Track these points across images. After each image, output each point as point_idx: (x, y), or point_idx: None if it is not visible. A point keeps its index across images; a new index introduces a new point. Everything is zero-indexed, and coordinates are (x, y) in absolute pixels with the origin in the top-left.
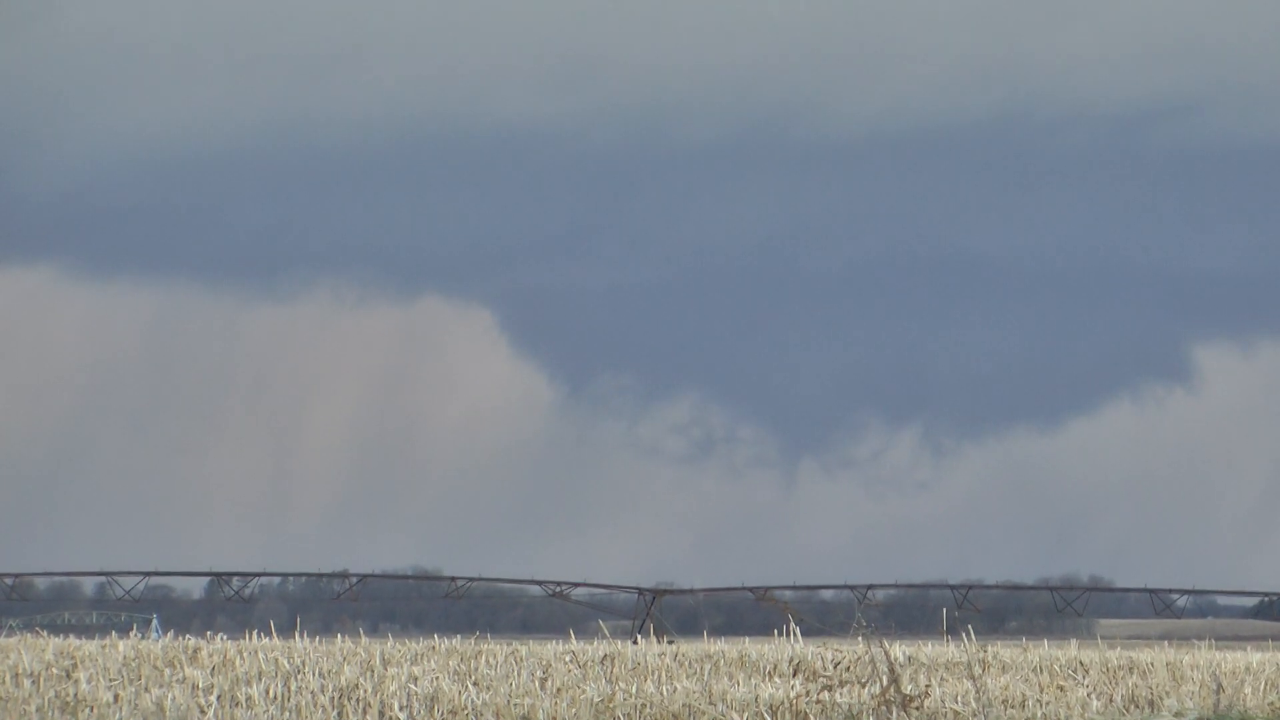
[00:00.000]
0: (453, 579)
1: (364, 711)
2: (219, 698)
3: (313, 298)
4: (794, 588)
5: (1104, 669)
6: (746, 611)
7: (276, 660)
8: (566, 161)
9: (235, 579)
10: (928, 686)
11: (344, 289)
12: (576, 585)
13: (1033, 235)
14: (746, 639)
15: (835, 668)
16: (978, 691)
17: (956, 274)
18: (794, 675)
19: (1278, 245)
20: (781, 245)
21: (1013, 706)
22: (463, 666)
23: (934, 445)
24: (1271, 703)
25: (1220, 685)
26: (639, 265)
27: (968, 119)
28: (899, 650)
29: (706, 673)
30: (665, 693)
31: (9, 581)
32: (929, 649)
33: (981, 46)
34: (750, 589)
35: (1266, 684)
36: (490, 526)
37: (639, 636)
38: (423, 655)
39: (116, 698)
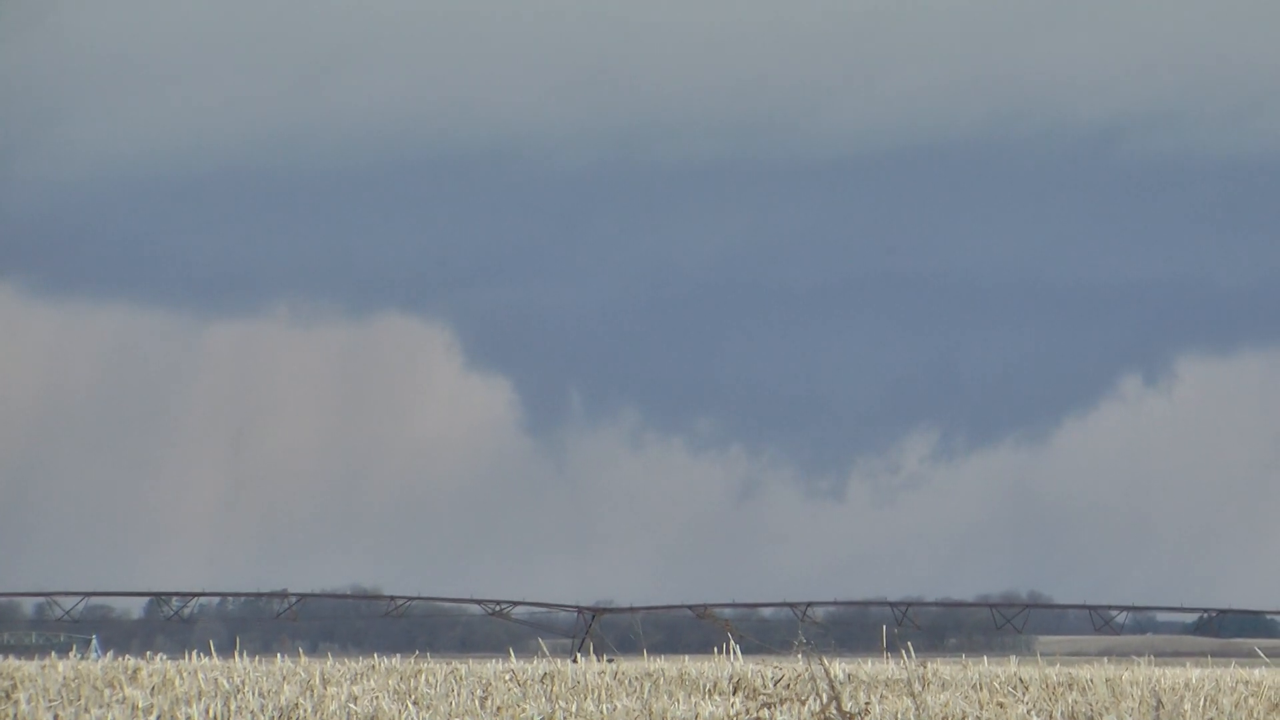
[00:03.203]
0: (392, 598)
1: None
2: (159, 718)
3: (270, 316)
4: (734, 605)
5: (1044, 686)
6: (686, 629)
7: (216, 680)
8: (534, 179)
9: (174, 599)
10: (868, 704)
11: (302, 306)
12: (516, 604)
13: (991, 252)
14: (686, 657)
15: (775, 685)
16: (918, 708)
17: (931, 292)
18: (734, 693)
19: (1244, 256)
20: (753, 264)
21: None
22: (402, 685)
23: (889, 466)
24: (1211, 718)
25: (1160, 701)
26: (600, 284)
27: (949, 136)
28: (839, 667)
29: (646, 691)
30: (605, 711)
31: None
32: (869, 666)
33: (962, 63)
34: (690, 607)
35: (1206, 700)
36: (435, 546)
37: (579, 655)
38: (362, 674)
39: (56, 718)
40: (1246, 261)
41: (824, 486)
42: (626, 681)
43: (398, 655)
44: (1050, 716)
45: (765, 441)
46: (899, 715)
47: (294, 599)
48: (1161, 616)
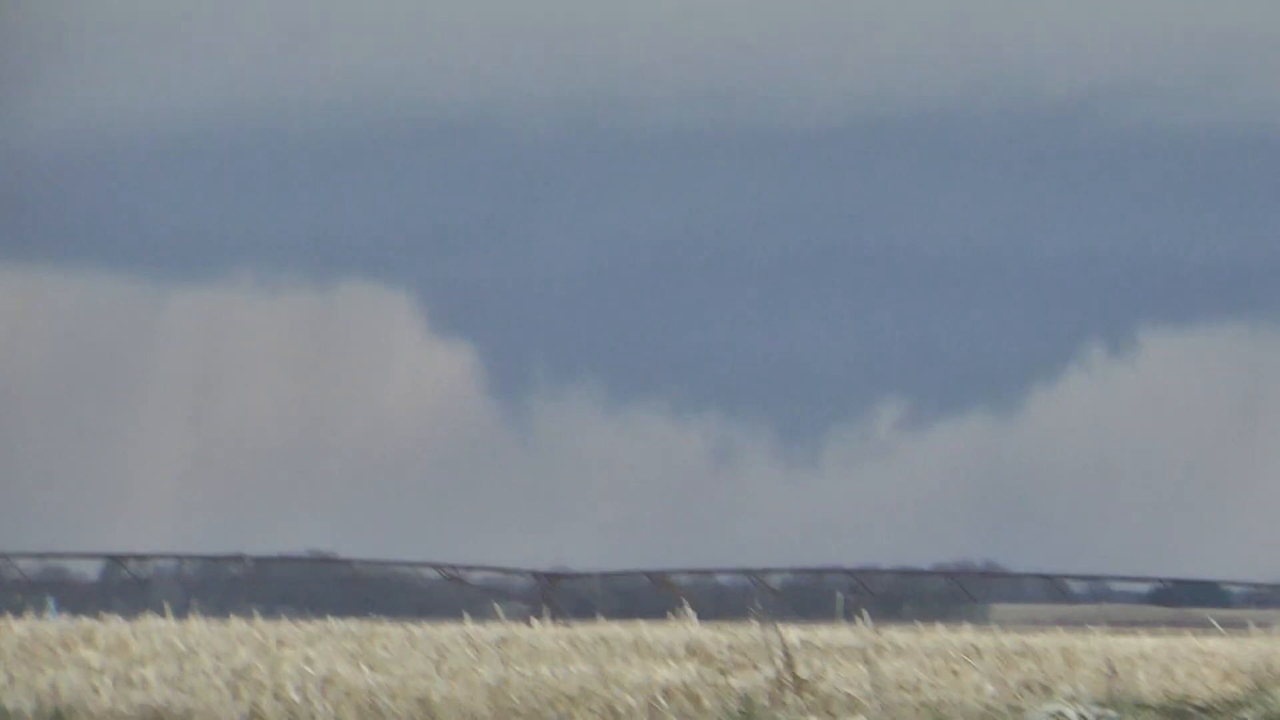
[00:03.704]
0: (348, 562)
1: (258, 693)
2: (114, 680)
3: (234, 283)
4: (691, 571)
5: (998, 653)
6: (644, 596)
7: (171, 642)
8: (502, 147)
9: (131, 561)
10: (822, 670)
11: (265, 273)
12: (472, 569)
13: (960, 223)
14: (642, 623)
15: (730, 651)
16: (872, 675)
17: (899, 261)
18: (689, 659)
19: (1212, 228)
20: (719, 232)
21: (906, 690)
22: (358, 649)
23: (861, 433)
24: (1165, 687)
25: (1114, 670)
26: (566, 250)
27: (917, 107)
28: (794, 634)
29: (601, 656)
30: (559, 675)
31: None
32: (824, 633)
33: (931, 33)
34: (647, 573)
35: (1160, 669)
36: (397, 512)
37: (534, 619)
38: (318, 637)
39: (11, 679)
40: (1215, 234)
41: (798, 454)
42: (581, 646)
43: (354, 619)
44: (1004, 684)
45: (736, 409)
46: (853, 681)
47: (251, 562)
48: (1118, 586)
